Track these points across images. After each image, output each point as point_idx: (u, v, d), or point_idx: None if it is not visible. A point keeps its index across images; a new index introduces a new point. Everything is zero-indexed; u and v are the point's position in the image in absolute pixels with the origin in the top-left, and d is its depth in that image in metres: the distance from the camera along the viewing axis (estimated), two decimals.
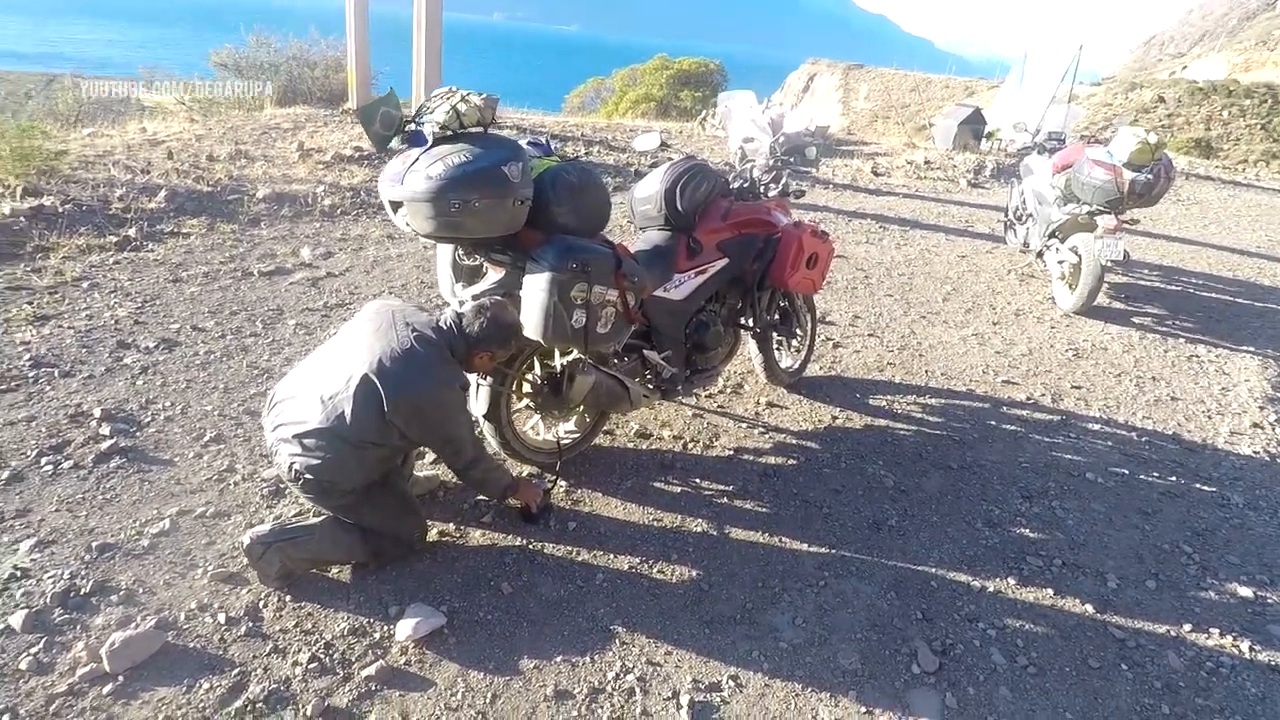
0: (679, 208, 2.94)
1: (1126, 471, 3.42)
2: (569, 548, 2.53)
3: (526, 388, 2.81)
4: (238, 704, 1.84)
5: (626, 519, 2.72)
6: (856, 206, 7.79)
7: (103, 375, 3.14)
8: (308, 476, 2.07)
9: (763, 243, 3.24)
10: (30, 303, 3.64)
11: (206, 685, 1.88)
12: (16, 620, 1.96)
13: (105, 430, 2.77)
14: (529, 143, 2.66)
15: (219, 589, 2.16)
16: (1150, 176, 4.92)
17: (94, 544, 2.25)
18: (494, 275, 2.59)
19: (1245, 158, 21.83)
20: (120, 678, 1.85)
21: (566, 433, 2.96)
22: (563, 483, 2.82)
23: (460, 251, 2.64)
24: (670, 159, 3.25)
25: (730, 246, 3.14)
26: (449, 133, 2.32)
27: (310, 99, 9.56)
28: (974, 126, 11.49)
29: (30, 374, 3.06)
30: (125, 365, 3.23)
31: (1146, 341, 5.03)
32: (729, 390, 3.69)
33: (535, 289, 2.34)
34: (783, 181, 3.41)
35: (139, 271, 4.18)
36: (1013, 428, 3.70)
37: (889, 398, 3.86)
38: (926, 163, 10.19)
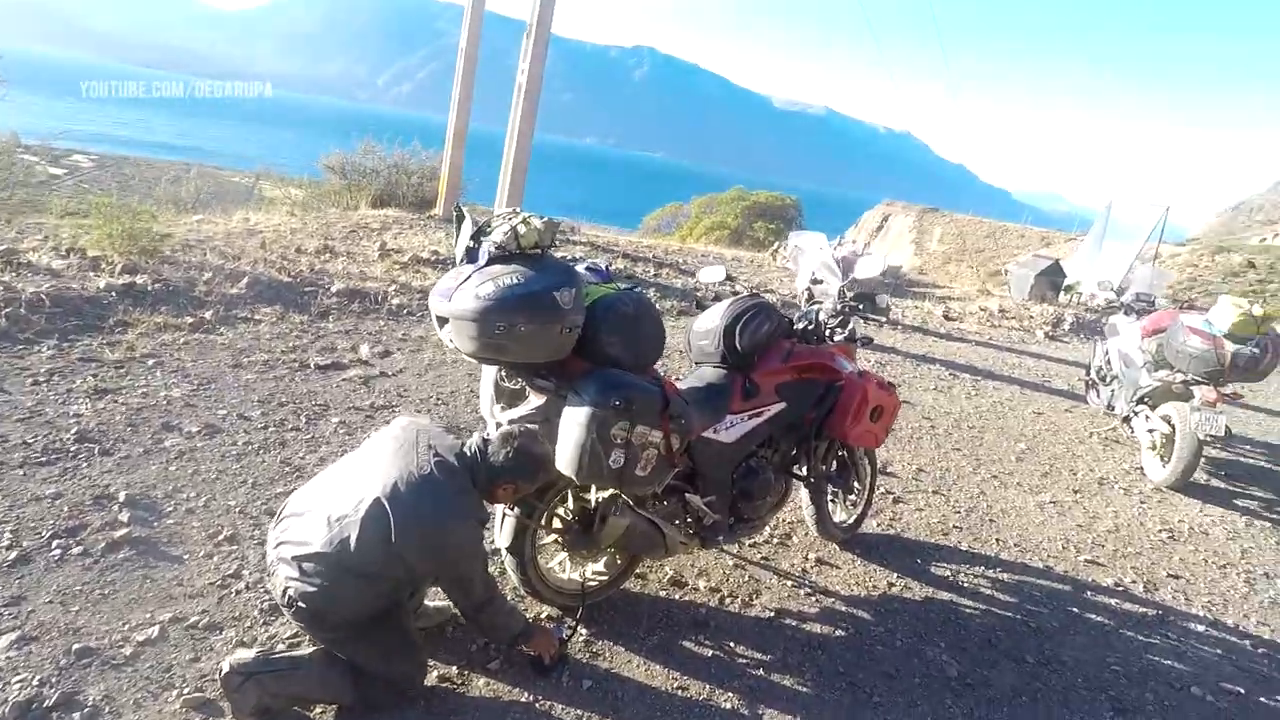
0: (738, 346, 2.80)
1: (1242, 690, 2.90)
2: (580, 712, 2.23)
3: (556, 522, 2.61)
4: None
5: (648, 682, 2.41)
6: (925, 350, 7.55)
7: (139, 456, 3.12)
8: (301, 604, 1.90)
9: (824, 389, 3.05)
10: (95, 375, 3.73)
11: None
12: None
13: (124, 516, 2.69)
14: (587, 267, 2.61)
15: (189, 717, 1.95)
16: (1257, 350, 4.55)
17: (75, 646, 2.10)
18: (535, 400, 2.47)
19: None
20: None
21: (594, 574, 2.72)
22: (582, 630, 2.55)
23: (503, 373, 2.55)
24: (735, 293, 3.15)
25: (789, 390, 2.96)
26: (505, 253, 2.28)
27: (403, 203, 10.19)
28: (1052, 278, 11.25)
29: (72, 448, 3.07)
30: (164, 448, 3.21)
31: (1255, 530, 4.48)
32: (775, 540, 3.40)
33: (573, 424, 2.20)
34: (849, 327, 3.25)
35: (204, 353, 4.28)
36: (1099, 619, 3.25)
37: (954, 567, 3.47)
38: (1001, 311, 9.94)
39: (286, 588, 1.91)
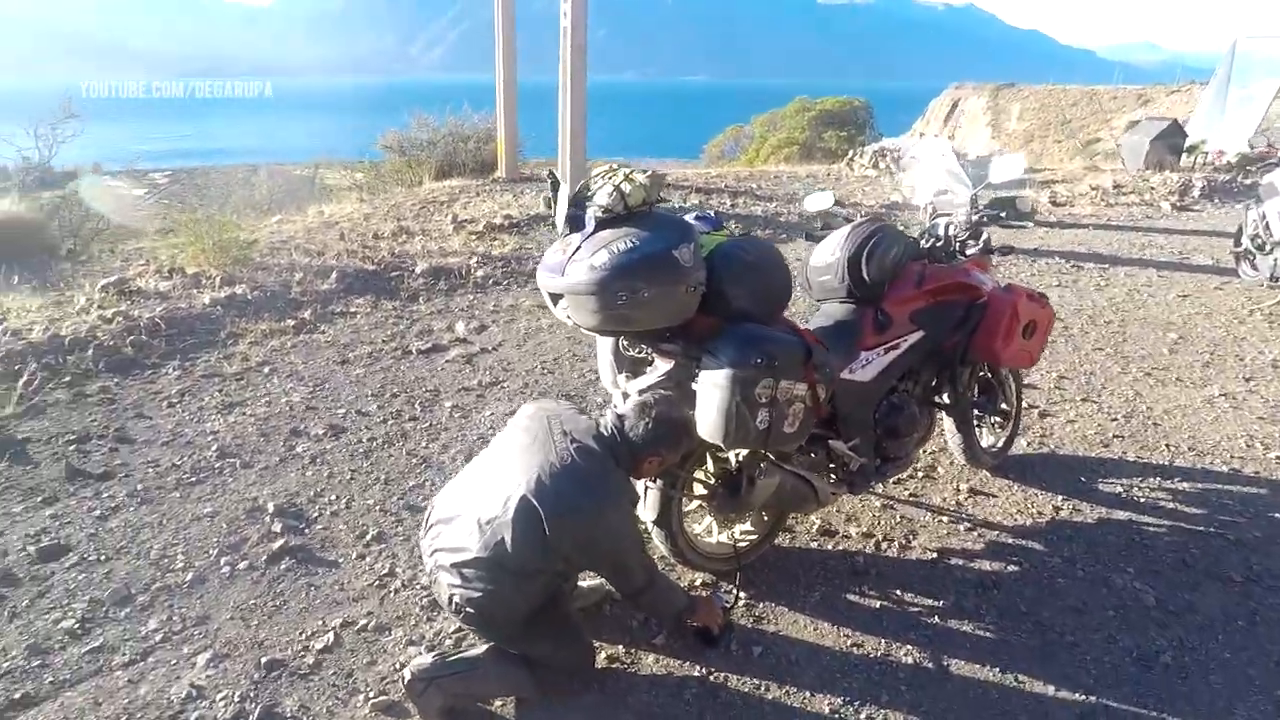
0: (865, 277, 2.55)
1: None
2: (756, 681, 2.15)
3: (699, 488, 2.50)
4: None
5: (819, 642, 2.30)
6: (1038, 243, 6.94)
7: (277, 466, 3.20)
8: (469, 610, 1.87)
9: (965, 310, 2.77)
10: (220, 390, 3.85)
11: None
12: None
13: (277, 527, 2.76)
14: (696, 217, 2.41)
15: None
16: None
17: (263, 659, 2.17)
18: (662, 366, 2.32)
19: None
20: None
21: (743, 534, 2.61)
22: (742, 595, 2.46)
23: (624, 341, 2.41)
24: (848, 219, 2.88)
25: (925, 317, 2.70)
26: (611, 215, 2.10)
27: (464, 171, 10.11)
28: (1170, 141, 10.08)
29: (216, 465, 3.17)
30: (297, 454, 3.29)
31: None
32: (920, 476, 3.19)
33: (714, 388, 2.04)
34: (983, 238, 2.93)
35: (311, 354, 4.36)
36: None
37: (1124, 481, 3.17)
38: (1116, 186, 9.03)
39: (452, 595, 1.88)
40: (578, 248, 2.08)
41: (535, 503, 1.83)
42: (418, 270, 5.69)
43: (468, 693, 1.97)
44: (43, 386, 3.76)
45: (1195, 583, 2.57)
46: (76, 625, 2.28)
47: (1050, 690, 2.13)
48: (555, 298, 2.18)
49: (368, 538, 2.74)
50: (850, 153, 12.35)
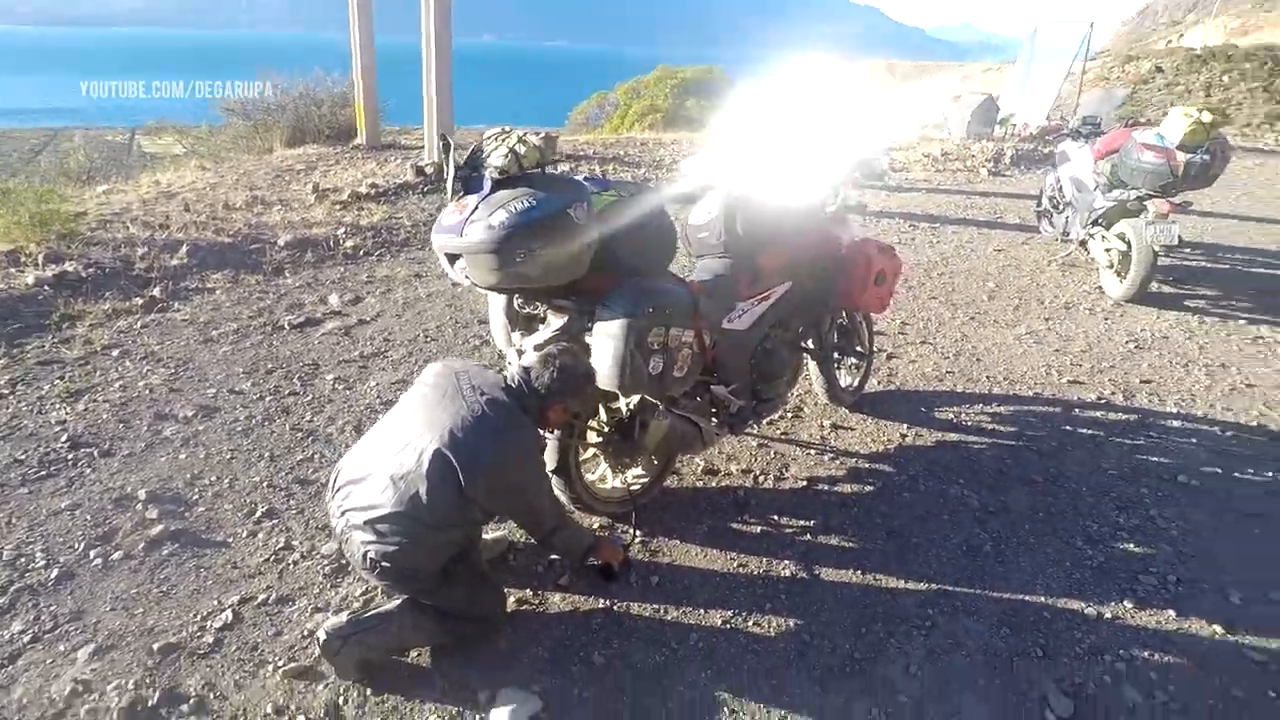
0: (739, 233, 2.78)
1: (1219, 470, 3.22)
2: (656, 606, 2.36)
3: (593, 436, 2.65)
4: None
5: (710, 567, 2.55)
6: (881, 206, 7.61)
7: (143, 452, 3.01)
8: (385, 564, 1.92)
9: (827, 262, 3.08)
10: (62, 377, 3.52)
11: None
12: None
13: (153, 513, 2.63)
14: (585, 178, 2.52)
15: (294, 687, 2.01)
16: (1206, 157, 4.72)
17: (155, 645, 2.10)
18: (556, 322, 2.44)
19: (1249, 121, 21.45)
20: None
21: (635, 478, 2.80)
22: (638, 533, 2.66)
23: (519, 299, 2.49)
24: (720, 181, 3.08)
25: (793, 269, 2.98)
26: (506, 176, 2.17)
27: (319, 137, 9.50)
28: (986, 113, 11.28)
29: (69, 456, 2.94)
30: (165, 439, 3.10)
31: (1207, 326, 4.83)
32: (789, 416, 3.52)
33: (609, 338, 2.19)
34: (841, 196, 3.24)
35: (168, 334, 4.06)
36: (1090, 431, 3.51)
37: (954, 409, 3.68)
38: (944, 154, 10.01)
39: (366, 552, 1.92)
40: (475, 208, 2.14)
41: (449, 455, 1.90)
42: (280, 242, 5.38)
43: (384, 646, 2.03)
44: None
45: (1008, 487, 3.06)
46: None
47: (901, 583, 2.51)
48: (453, 258, 2.22)
49: (258, 514, 2.67)
50: (712, 121, 12.77)
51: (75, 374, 3.56)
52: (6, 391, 3.37)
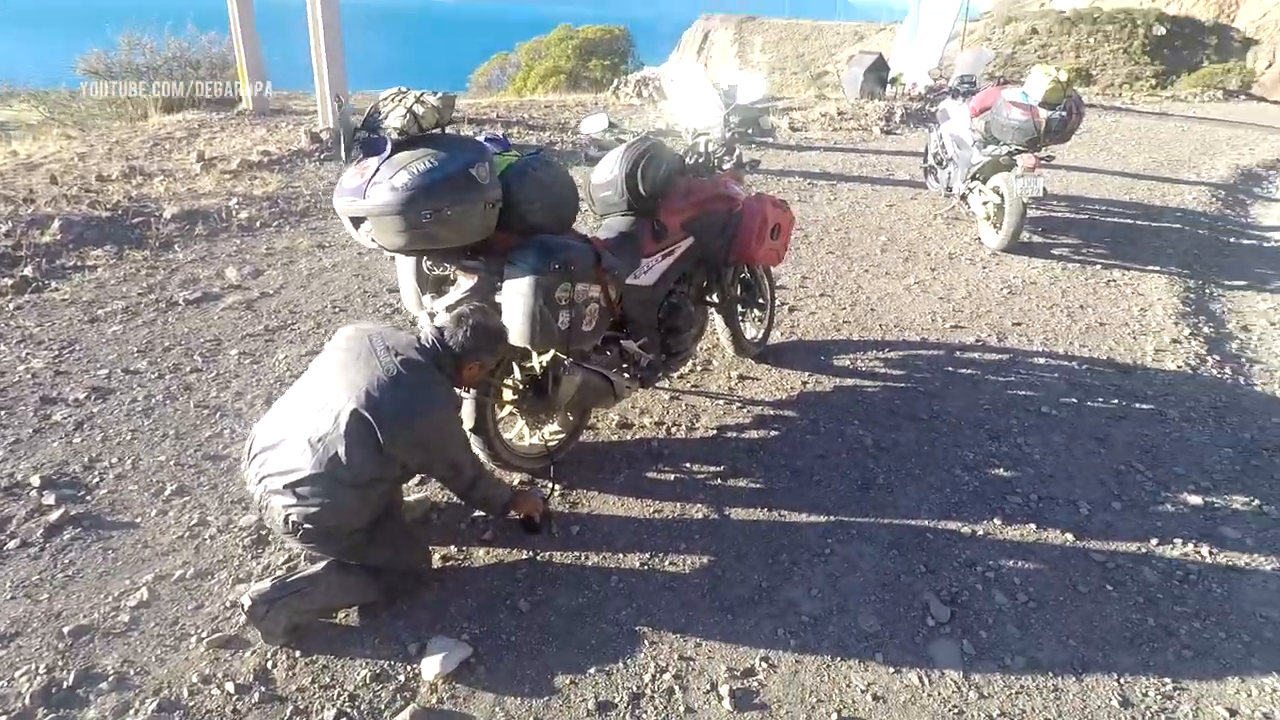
0: (641, 191, 2.87)
1: (1075, 400, 3.63)
2: (577, 554, 2.49)
3: (508, 394, 2.72)
4: None
5: (628, 515, 2.70)
6: (781, 165, 7.86)
7: (31, 438, 2.86)
8: (307, 526, 1.95)
9: (725, 218, 3.22)
10: None
11: None
12: None
13: (49, 499, 2.53)
14: (487, 139, 2.55)
15: (219, 656, 2.02)
16: (1064, 114, 5.15)
17: (65, 629, 2.06)
18: (465, 283, 2.48)
19: (1112, 81, 23.19)
20: None
21: (552, 434, 2.90)
22: (558, 487, 2.77)
23: (428, 262, 2.51)
24: (620, 139, 3.16)
25: (694, 225, 3.11)
26: (405, 137, 2.18)
27: (199, 103, 8.86)
28: (879, 73, 11.73)
29: None
30: (55, 423, 2.95)
31: (1069, 272, 5.33)
32: (699, 369, 3.70)
33: (518, 295, 2.26)
34: (736, 153, 3.38)
35: (47, 315, 3.81)
36: (969, 371, 3.86)
37: (851, 356, 3.95)
38: (840, 114, 10.37)
39: (288, 514, 1.94)
40: (376, 170, 2.14)
41: (367, 414, 1.94)
42: (166, 215, 5.07)
43: (311, 608, 2.07)
44: None
45: (898, 424, 3.35)
46: None
47: (804, 517, 2.73)
48: (357, 221, 2.23)
49: (167, 493, 2.61)
50: (615, 82, 12.71)
51: None
52: None
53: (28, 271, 4.21)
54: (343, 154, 2.22)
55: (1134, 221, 6.65)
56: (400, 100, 2.21)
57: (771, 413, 3.39)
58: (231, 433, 2.97)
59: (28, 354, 3.43)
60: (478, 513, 2.59)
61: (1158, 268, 5.46)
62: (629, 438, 3.14)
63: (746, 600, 2.35)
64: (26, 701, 1.85)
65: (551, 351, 2.54)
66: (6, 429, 2.90)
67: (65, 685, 1.91)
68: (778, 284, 4.77)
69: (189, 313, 3.95)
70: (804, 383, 3.64)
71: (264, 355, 3.56)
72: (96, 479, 2.67)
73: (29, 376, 3.25)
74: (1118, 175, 8.27)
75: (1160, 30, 23.95)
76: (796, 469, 3.00)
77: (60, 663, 1.97)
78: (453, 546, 2.47)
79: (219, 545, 2.41)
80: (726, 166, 3.37)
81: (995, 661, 2.17)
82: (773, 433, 3.24)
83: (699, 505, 2.76)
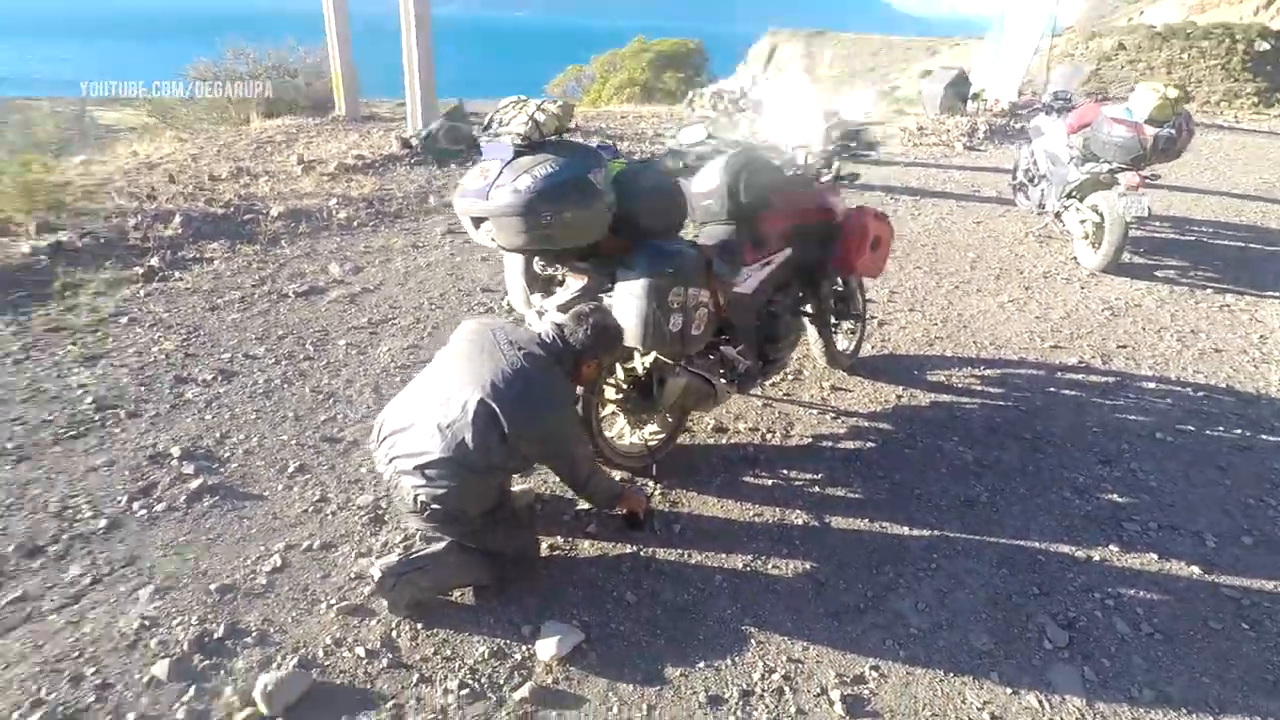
0: (741, 200, 2.91)
1: (1192, 428, 3.46)
2: (680, 551, 2.51)
3: (611, 394, 2.78)
4: None
5: (727, 516, 2.71)
6: (862, 180, 7.75)
7: (169, 412, 3.06)
8: (435, 507, 2.04)
9: (824, 229, 3.22)
10: (75, 343, 3.53)
11: None
12: (161, 670, 1.92)
13: (189, 469, 2.70)
14: (599, 146, 2.62)
15: (348, 622, 2.12)
16: (1173, 131, 4.95)
17: (212, 586, 2.20)
18: (574, 284, 2.55)
19: (1209, 98, 22.08)
20: (279, 719, 1.82)
21: (651, 434, 2.93)
22: (657, 486, 2.80)
23: (539, 262, 2.60)
24: (719, 150, 3.19)
25: (792, 236, 3.12)
26: (527, 143, 2.27)
27: (295, 109, 9.35)
28: (959, 89, 11.47)
29: (96, 417, 2.98)
30: (189, 400, 3.16)
31: (1176, 294, 5.09)
32: (790, 378, 3.68)
33: (632, 296, 2.32)
34: (835, 166, 3.38)
35: (173, 302, 4.07)
36: (1073, 393, 3.73)
37: (945, 372, 3.87)
38: (920, 129, 10.20)
39: (417, 495, 2.03)
40: (499, 173, 2.24)
41: (493, 404, 2.01)
42: (273, 213, 5.36)
43: (433, 585, 2.16)
44: None
45: (1000, 443, 3.26)
46: None
47: (905, 530, 2.69)
48: (477, 221, 2.33)
49: (290, 470, 2.76)
50: (690, 94, 12.80)
51: (88, 340, 3.58)
52: (22, 357, 3.38)
53: (154, 262, 4.51)
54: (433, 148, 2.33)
55: (1246, 245, 6.31)
56: (521, 107, 2.32)
57: (866, 424, 3.35)
58: (344, 418, 3.11)
59: (160, 336, 3.67)
60: (580, 505, 2.65)
61: (1276, 294, 5.17)
62: (724, 441, 3.16)
63: (852, 608, 2.33)
64: (184, 648, 1.99)
65: (654, 354, 2.59)
66: (147, 404, 3.11)
67: (215, 636, 2.04)
68: (866, 297, 4.73)
69: (298, 304, 4.16)
70: (898, 396, 3.59)
71: (369, 347, 3.72)
72: (228, 453, 2.84)
73: (163, 357, 3.48)
74: (1225, 196, 7.87)
75: (1263, 46, 22.68)
76: (896, 482, 2.95)
77: (210, 616, 2.11)
78: (558, 537, 2.52)
79: (340, 521, 2.53)
80: (825, 179, 3.37)
81: (1121, 692, 2.09)
82: (868, 444, 3.20)
83: (798, 511, 2.75)
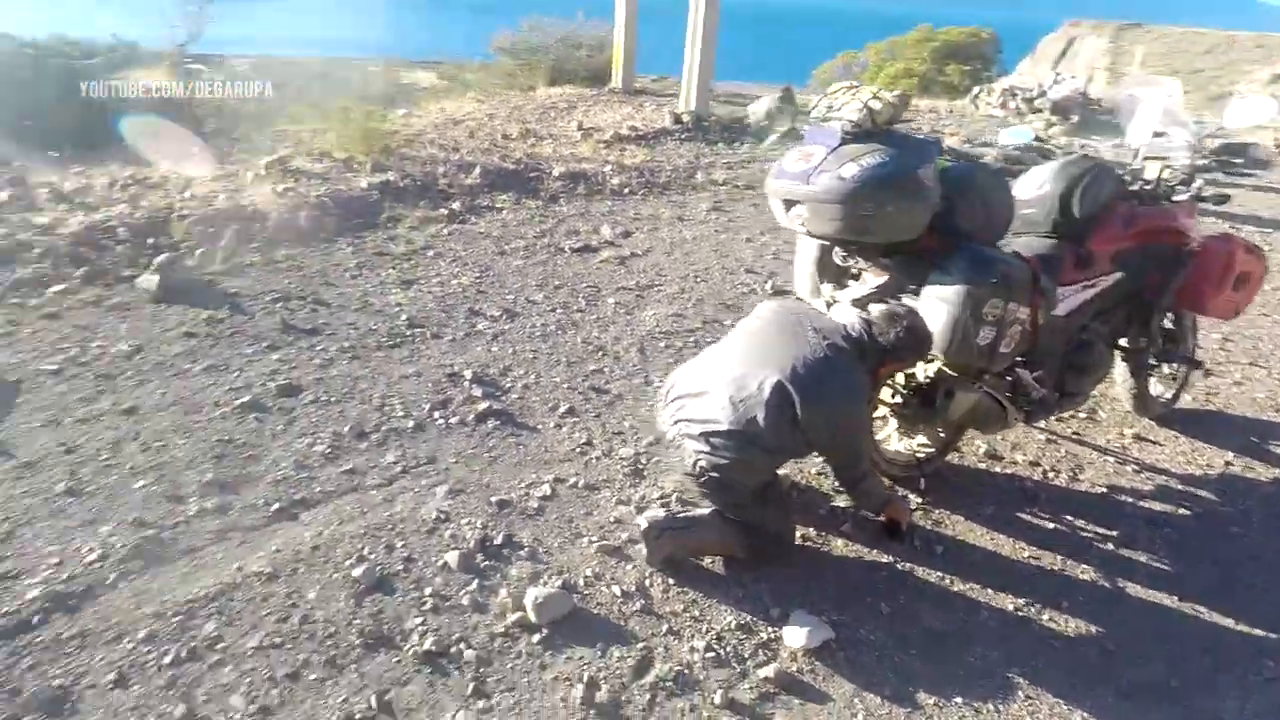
0: (1075, 213, 2.56)
1: None
2: (942, 574, 2.31)
3: (888, 397, 2.61)
4: (649, 679, 1.87)
5: (997, 550, 2.44)
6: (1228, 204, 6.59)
7: (463, 339, 3.43)
8: (713, 474, 2.05)
9: (1171, 255, 2.75)
10: (394, 268, 4.09)
11: (617, 654, 1.93)
12: (452, 559, 2.15)
13: (477, 392, 3.00)
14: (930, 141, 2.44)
15: (606, 560, 2.22)
16: None
17: (493, 499, 2.42)
18: (872, 279, 2.41)
19: None
20: (544, 630, 1.96)
21: (920, 446, 2.72)
22: (919, 500, 2.60)
23: (840, 253, 2.49)
24: (1045, 155, 2.84)
25: (1128, 259, 2.70)
26: (859, 130, 2.16)
27: (575, 79, 10.05)
28: None
29: (408, 333, 3.42)
30: (479, 331, 3.51)
31: None
32: (1083, 417, 3.23)
33: (943, 302, 2.14)
34: (1195, 184, 2.86)
35: (469, 243, 4.56)
36: None
37: None
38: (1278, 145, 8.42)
39: (698, 460, 2.06)
40: (824, 159, 2.16)
41: (790, 388, 1.98)
42: (554, 173, 5.80)
43: (689, 546, 2.19)
44: (237, 250, 4.06)
45: None
46: (327, 450, 2.58)
47: (1229, 623, 2.23)
48: (790, 204, 2.27)
49: (560, 411, 2.96)
50: (975, 89, 11.74)
51: (404, 266, 4.13)
52: (356, 274, 3.98)
53: (456, 206, 5.08)
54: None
55: None
56: (855, 94, 2.21)
57: (1180, 487, 2.83)
58: (610, 372, 3.27)
59: (459, 271, 4.13)
60: (836, 502, 2.54)
61: None
62: (997, 470, 2.85)
63: (1148, 691, 1.99)
64: (470, 545, 2.22)
65: (953, 364, 2.37)
66: (446, 329, 3.51)
67: (495, 543, 2.25)
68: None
69: (573, 259, 4.46)
70: (1227, 463, 2.99)
71: (635, 309, 3.88)
72: (509, 384, 3.11)
73: (460, 290, 3.91)
74: None
75: None
76: (1220, 561, 2.46)
77: (491, 524, 2.32)
78: (811, 529, 2.44)
79: (603, 467, 2.66)
80: (1180, 198, 2.87)
81: None
82: (1181, 510, 2.71)
83: (1085, 567, 2.40)
